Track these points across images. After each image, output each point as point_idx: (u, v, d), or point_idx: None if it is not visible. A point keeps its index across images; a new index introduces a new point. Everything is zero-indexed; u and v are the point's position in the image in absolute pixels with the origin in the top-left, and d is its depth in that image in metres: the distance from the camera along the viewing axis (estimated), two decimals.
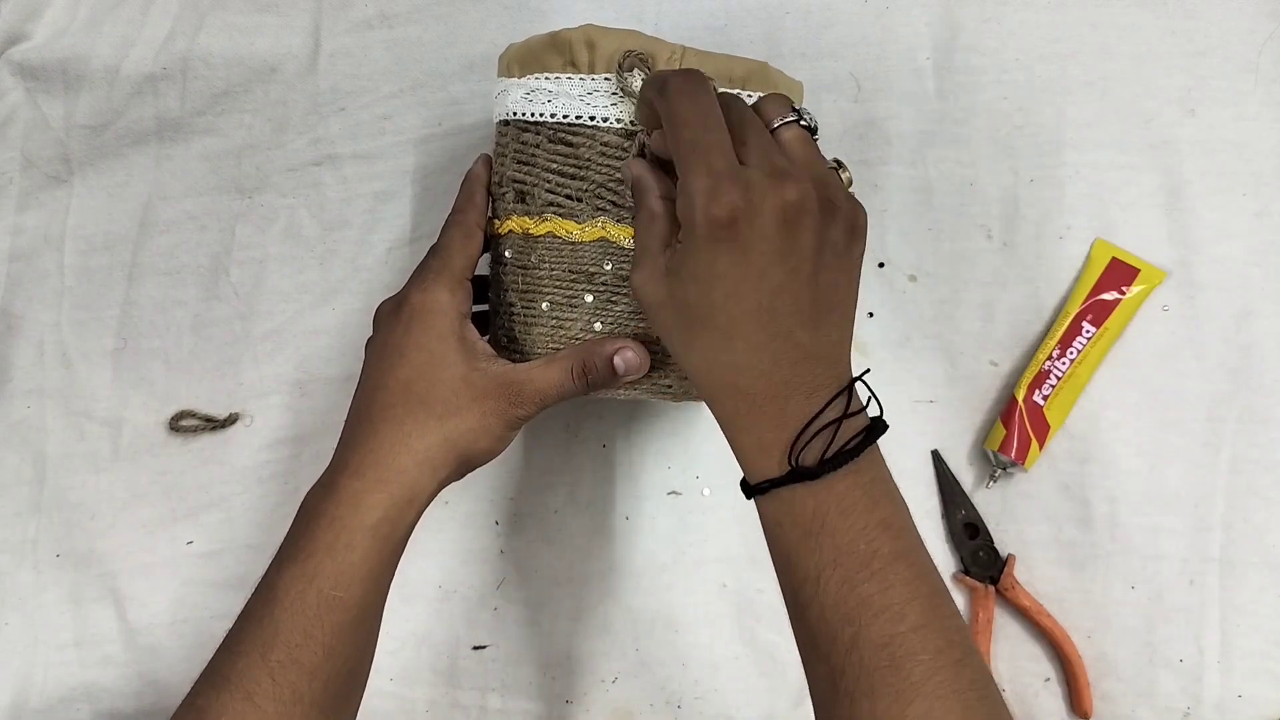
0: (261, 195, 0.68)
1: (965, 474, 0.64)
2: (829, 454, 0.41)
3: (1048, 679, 0.63)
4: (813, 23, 0.67)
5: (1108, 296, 0.62)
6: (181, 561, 0.66)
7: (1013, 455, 0.61)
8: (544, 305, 0.51)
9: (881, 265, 0.65)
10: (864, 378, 0.44)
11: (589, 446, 0.65)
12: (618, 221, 0.50)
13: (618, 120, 0.49)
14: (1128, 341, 0.63)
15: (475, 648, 0.64)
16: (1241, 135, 0.64)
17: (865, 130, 0.66)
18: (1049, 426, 0.62)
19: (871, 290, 0.65)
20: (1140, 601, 0.62)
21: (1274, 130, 0.64)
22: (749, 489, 0.44)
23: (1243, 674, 0.61)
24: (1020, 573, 0.62)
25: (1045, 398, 0.62)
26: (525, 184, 0.52)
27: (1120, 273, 0.62)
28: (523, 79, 0.51)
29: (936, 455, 0.64)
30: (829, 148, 0.66)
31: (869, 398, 0.44)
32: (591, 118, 0.49)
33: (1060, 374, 0.62)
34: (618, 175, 0.50)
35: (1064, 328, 0.62)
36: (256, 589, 0.48)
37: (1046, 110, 0.65)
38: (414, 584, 0.64)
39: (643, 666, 0.64)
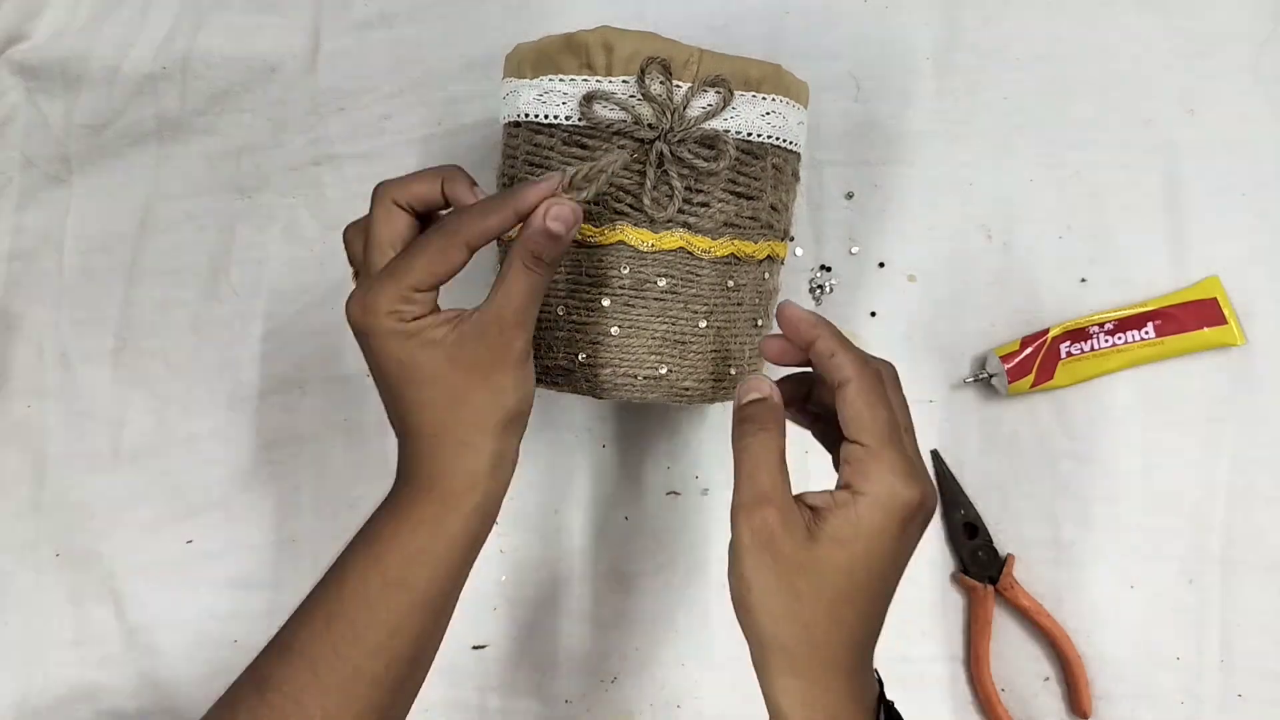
0: (261, 195, 0.68)
1: (965, 473, 0.64)
2: None
3: (1047, 679, 0.63)
4: (813, 22, 0.67)
5: (1186, 320, 0.62)
6: (181, 561, 0.66)
7: (1008, 371, 0.61)
8: (560, 310, 0.51)
9: (881, 265, 0.65)
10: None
11: (589, 446, 0.65)
12: (635, 225, 0.50)
13: (635, 123, 0.49)
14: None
15: (475, 647, 0.64)
16: (1241, 135, 0.64)
17: (865, 130, 0.66)
18: (1053, 378, 0.62)
19: (871, 290, 0.65)
20: (1140, 601, 0.62)
21: (1274, 130, 0.64)
22: None
23: (1243, 674, 0.61)
24: (1020, 573, 0.62)
25: (1069, 354, 0.62)
26: None
27: (1209, 313, 0.62)
28: (535, 80, 0.51)
29: (936, 455, 0.64)
30: (829, 147, 0.66)
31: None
32: (609, 121, 0.49)
33: (1098, 347, 0.62)
34: (635, 179, 0.49)
35: (1131, 313, 0.62)
36: (332, 566, 0.48)
37: (1046, 110, 0.65)
38: None
39: (643, 666, 0.64)
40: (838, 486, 0.44)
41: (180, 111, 0.68)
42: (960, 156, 0.65)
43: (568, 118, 0.49)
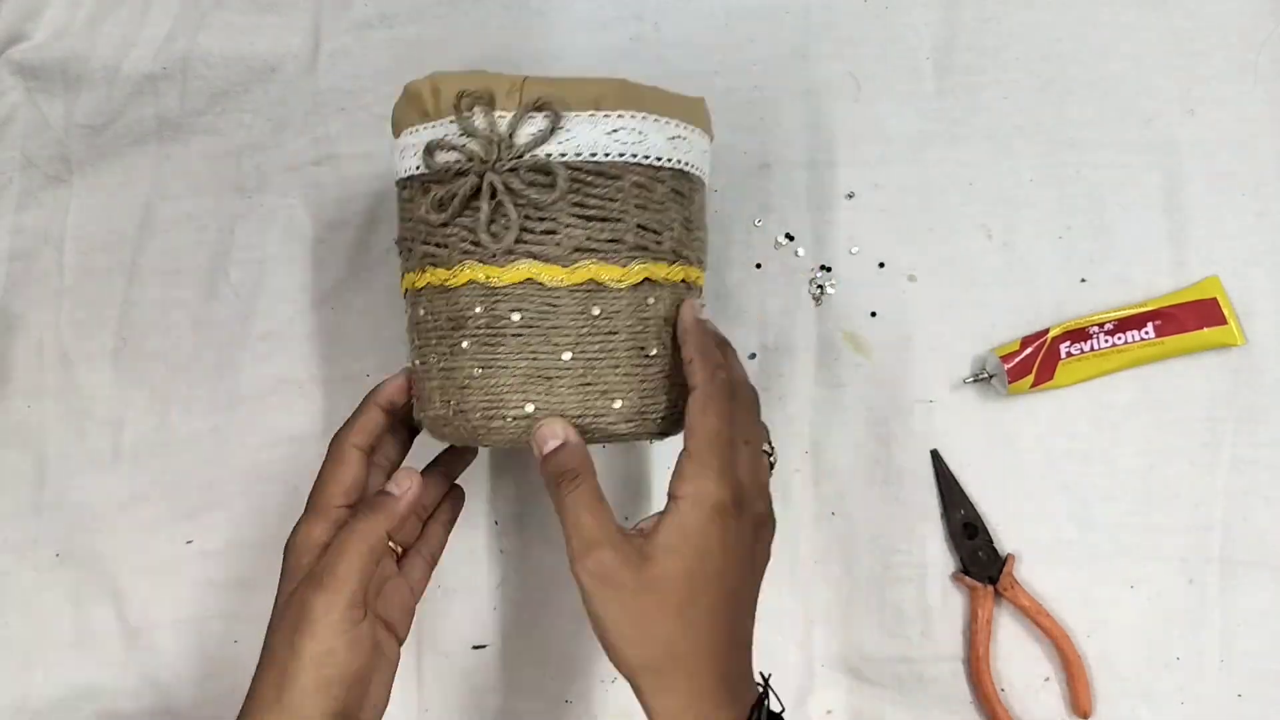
0: (261, 195, 0.68)
1: (965, 473, 0.64)
2: None
3: (1047, 679, 0.63)
4: (813, 22, 0.67)
5: (1186, 320, 0.62)
6: (181, 561, 0.66)
7: (1008, 371, 0.61)
8: (432, 358, 0.50)
9: (882, 265, 0.65)
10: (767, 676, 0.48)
11: (589, 447, 0.65)
12: (481, 261, 0.49)
13: (469, 160, 0.48)
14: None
15: (475, 647, 0.64)
16: (1241, 135, 0.64)
17: (865, 130, 0.66)
18: (1053, 378, 0.62)
19: (871, 290, 0.65)
20: (1140, 601, 0.62)
21: (1274, 130, 0.64)
22: None
23: (1243, 674, 0.61)
24: (1020, 573, 0.62)
25: (1069, 354, 0.62)
26: (409, 240, 0.51)
27: (1209, 313, 0.62)
28: (398, 138, 0.51)
29: (936, 455, 0.64)
30: (829, 147, 0.66)
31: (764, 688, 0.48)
32: (444, 162, 0.49)
33: (1098, 347, 0.62)
34: (474, 214, 0.48)
35: (1131, 313, 0.62)
36: None
37: (1046, 110, 0.65)
38: None
39: None
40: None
41: (180, 111, 0.68)
42: (960, 156, 0.65)
43: (418, 168, 0.50)
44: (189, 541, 0.66)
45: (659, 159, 0.49)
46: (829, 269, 0.65)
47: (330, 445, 0.53)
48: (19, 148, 0.69)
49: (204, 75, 0.68)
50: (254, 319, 0.67)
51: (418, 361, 0.52)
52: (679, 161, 0.51)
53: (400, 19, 0.68)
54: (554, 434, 0.48)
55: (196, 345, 0.67)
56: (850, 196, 0.66)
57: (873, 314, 0.65)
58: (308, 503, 0.52)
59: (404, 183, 0.51)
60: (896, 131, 0.66)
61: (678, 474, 0.46)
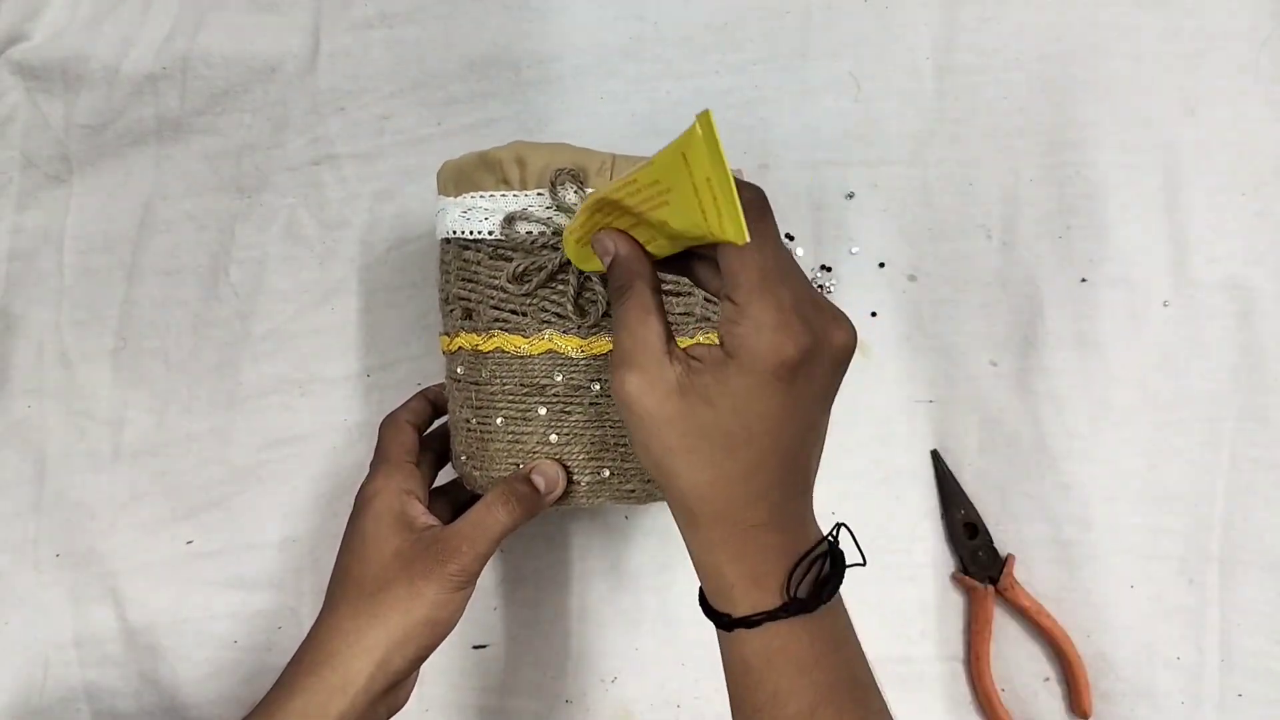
0: (261, 195, 0.68)
1: (965, 473, 0.64)
2: (822, 587, 0.42)
3: (1047, 679, 0.63)
4: (813, 22, 0.67)
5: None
6: (181, 561, 0.66)
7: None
8: (498, 420, 0.51)
9: (882, 265, 0.65)
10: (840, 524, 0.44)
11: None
12: (564, 333, 0.50)
13: (555, 234, 0.49)
14: (1126, 341, 0.63)
15: (475, 647, 0.64)
16: (1241, 135, 0.64)
17: (865, 130, 0.66)
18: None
19: (871, 290, 0.65)
20: (1140, 601, 0.62)
21: (1274, 130, 0.64)
22: (731, 621, 0.41)
23: (1243, 674, 0.61)
24: (1020, 573, 0.62)
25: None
26: (470, 301, 0.52)
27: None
28: (458, 198, 0.51)
29: (936, 455, 0.64)
30: (829, 147, 0.66)
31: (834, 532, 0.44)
32: (529, 233, 0.49)
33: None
34: (560, 288, 0.50)
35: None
36: None
37: (1046, 110, 0.65)
38: None
39: (643, 666, 0.64)
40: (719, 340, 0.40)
41: (180, 111, 0.68)
42: (960, 156, 0.65)
43: (490, 232, 0.50)
44: (189, 541, 0.66)
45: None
46: (829, 269, 0.65)
47: (383, 422, 0.56)
48: (19, 148, 0.69)
49: (204, 75, 0.68)
50: (254, 319, 0.67)
51: (474, 420, 0.52)
52: None
53: (400, 19, 0.68)
54: (605, 248, 0.42)
55: (196, 345, 0.67)
56: (850, 196, 0.66)
57: (873, 314, 0.65)
58: (378, 460, 0.54)
59: (466, 243, 0.51)
60: (896, 131, 0.66)
61: (727, 327, 0.39)
